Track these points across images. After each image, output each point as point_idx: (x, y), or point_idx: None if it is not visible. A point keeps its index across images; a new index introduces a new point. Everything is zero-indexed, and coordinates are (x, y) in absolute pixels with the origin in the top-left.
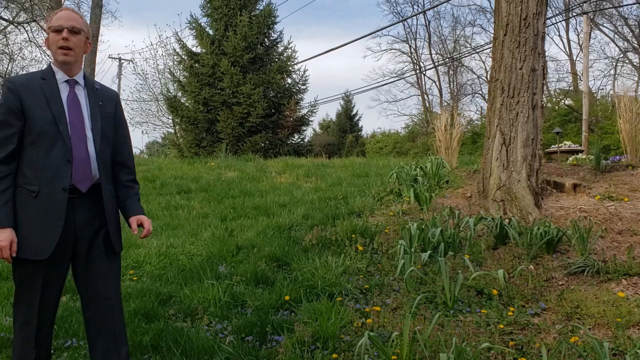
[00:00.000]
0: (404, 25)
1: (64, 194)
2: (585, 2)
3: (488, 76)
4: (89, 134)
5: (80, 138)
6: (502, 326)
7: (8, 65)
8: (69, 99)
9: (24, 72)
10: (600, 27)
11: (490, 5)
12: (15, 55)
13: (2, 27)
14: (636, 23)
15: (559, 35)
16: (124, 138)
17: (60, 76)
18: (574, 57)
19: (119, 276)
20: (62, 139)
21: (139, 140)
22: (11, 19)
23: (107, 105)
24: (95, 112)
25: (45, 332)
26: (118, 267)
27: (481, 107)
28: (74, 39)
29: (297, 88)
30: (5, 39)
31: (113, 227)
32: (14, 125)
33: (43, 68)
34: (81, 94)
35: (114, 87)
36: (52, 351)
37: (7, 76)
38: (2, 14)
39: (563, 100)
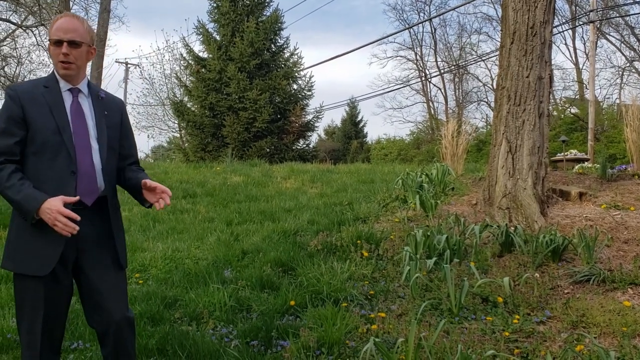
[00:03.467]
0: (409, 32)
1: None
2: (591, 11)
3: (494, 84)
4: (95, 145)
5: (84, 149)
6: (507, 334)
7: (16, 68)
8: (72, 108)
9: (33, 75)
10: (607, 36)
11: (497, 13)
12: (23, 59)
13: (11, 30)
14: None
15: (565, 44)
16: (130, 148)
17: (63, 84)
18: (580, 66)
19: (127, 291)
20: (66, 149)
21: (144, 144)
22: (19, 23)
23: (112, 114)
24: (100, 122)
25: (52, 350)
26: (126, 282)
27: (486, 114)
28: (75, 52)
29: (303, 94)
30: (13, 43)
31: (120, 240)
32: (15, 135)
33: (48, 74)
34: (85, 103)
35: (120, 92)
36: None
37: (15, 80)
38: (11, 17)
39: (569, 109)
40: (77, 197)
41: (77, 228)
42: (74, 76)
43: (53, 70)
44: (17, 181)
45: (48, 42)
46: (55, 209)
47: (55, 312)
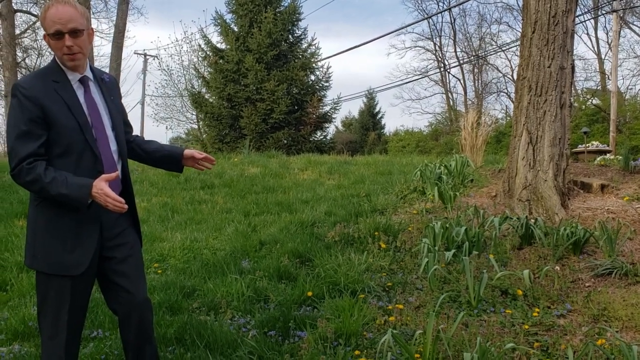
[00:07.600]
0: (428, 22)
1: (98, 206)
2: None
3: (514, 75)
4: (110, 133)
5: (105, 143)
6: (527, 327)
7: (37, 60)
8: (87, 102)
9: None
10: (630, 25)
11: (517, 2)
12: (44, 51)
13: (32, 22)
14: None
15: (587, 34)
16: (126, 119)
17: (72, 76)
18: (603, 56)
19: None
20: (90, 147)
21: (163, 135)
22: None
23: (115, 96)
24: (112, 109)
25: (74, 342)
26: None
27: (506, 106)
28: (77, 41)
29: (320, 85)
30: (34, 34)
31: (137, 218)
32: (40, 136)
33: (49, 64)
34: (95, 91)
35: (139, 83)
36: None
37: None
38: (31, 9)
39: (590, 100)
40: (117, 173)
41: (126, 207)
42: (82, 64)
43: (54, 60)
44: (56, 174)
45: (44, 35)
46: (102, 192)
47: (80, 303)
